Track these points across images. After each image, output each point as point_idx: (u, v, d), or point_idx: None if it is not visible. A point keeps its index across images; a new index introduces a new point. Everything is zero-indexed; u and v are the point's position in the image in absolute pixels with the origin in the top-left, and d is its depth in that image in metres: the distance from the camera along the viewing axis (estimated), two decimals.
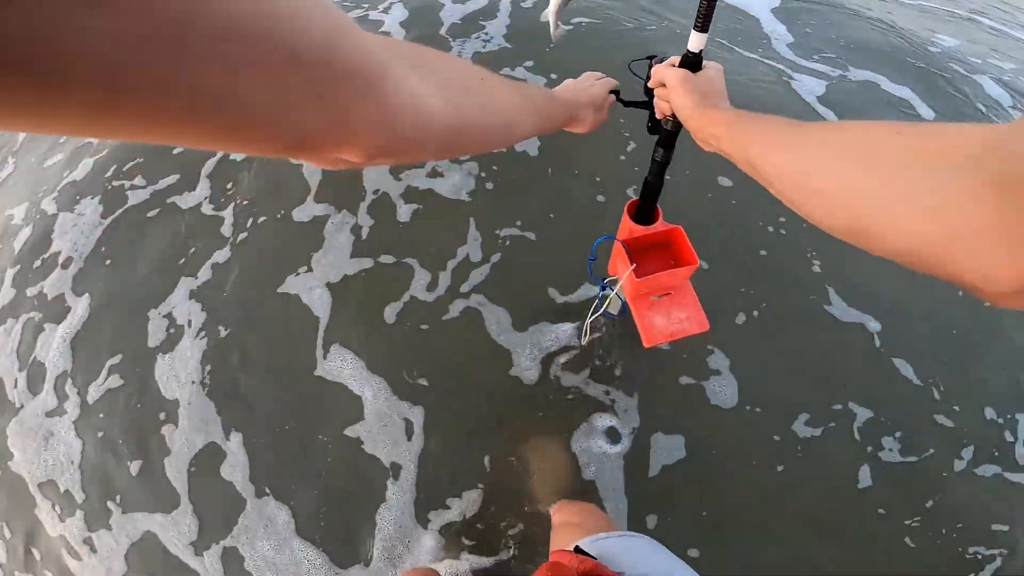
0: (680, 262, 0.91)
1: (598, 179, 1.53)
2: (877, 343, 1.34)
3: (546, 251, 1.44)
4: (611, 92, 0.81)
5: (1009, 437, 1.27)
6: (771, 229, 1.46)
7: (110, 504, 1.29)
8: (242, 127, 0.25)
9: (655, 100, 0.76)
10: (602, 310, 1.03)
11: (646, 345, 0.90)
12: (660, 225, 0.91)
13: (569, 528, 0.91)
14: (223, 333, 1.41)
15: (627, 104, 0.82)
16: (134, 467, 1.31)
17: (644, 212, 0.91)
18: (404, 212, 1.52)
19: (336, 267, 1.45)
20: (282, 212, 1.55)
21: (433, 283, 1.41)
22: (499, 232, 1.47)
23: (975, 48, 2.23)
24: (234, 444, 1.29)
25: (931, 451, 1.24)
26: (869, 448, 1.23)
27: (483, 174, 1.53)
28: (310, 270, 1.45)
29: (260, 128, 0.26)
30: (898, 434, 1.25)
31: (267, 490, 1.25)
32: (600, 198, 1.51)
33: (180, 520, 1.25)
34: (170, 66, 0.20)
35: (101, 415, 1.38)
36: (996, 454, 1.25)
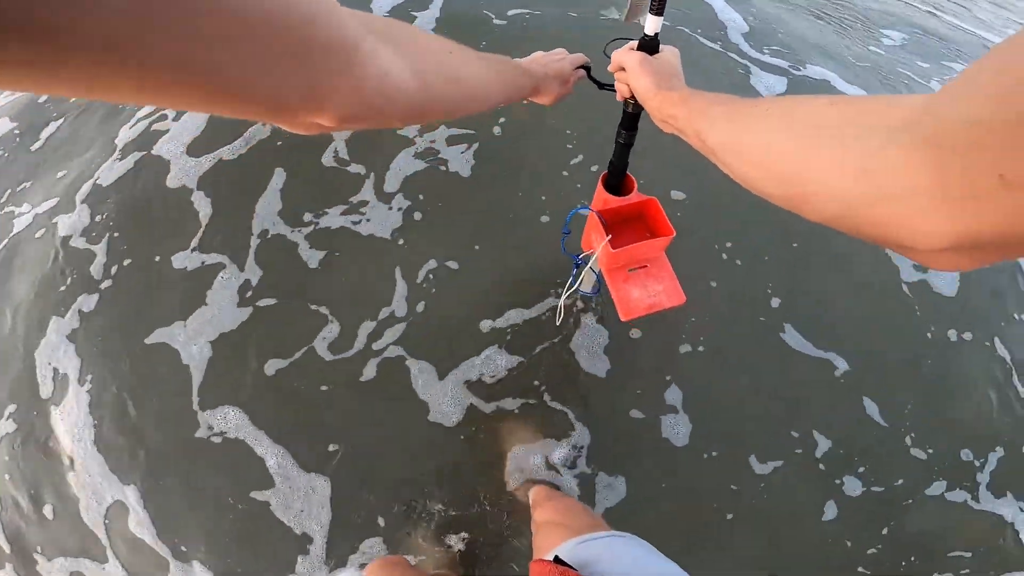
0: (656, 233, 0.90)
1: (543, 198, 1.41)
2: (838, 374, 1.30)
3: (481, 282, 1.31)
4: (582, 68, 0.83)
5: (976, 471, 1.27)
6: (725, 256, 1.38)
7: (35, 555, 1.25)
8: (225, 92, 0.28)
9: (615, 83, 0.78)
10: (576, 286, 1.00)
11: (623, 318, 0.87)
12: (635, 196, 0.90)
13: (553, 528, 0.86)
14: (105, 386, 1.27)
15: (600, 86, 0.84)
16: (48, 511, 1.26)
17: (615, 187, 0.91)
18: (312, 256, 1.33)
19: (221, 318, 1.28)
20: (159, 257, 1.35)
21: (351, 332, 1.27)
22: (425, 267, 1.32)
23: (930, 44, 2.20)
24: (132, 499, 1.21)
25: (900, 481, 1.24)
26: (833, 481, 1.22)
27: (409, 203, 1.36)
28: (184, 323, 1.28)
29: (241, 95, 0.29)
30: (860, 469, 1.24)
31: (182, 549, 1.19)
32: (544, 218, 1.39)
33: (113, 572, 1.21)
34: (161, 40, 0.23)
35: (6, 458, 1.31)
36: (966, 483, 1.25)
